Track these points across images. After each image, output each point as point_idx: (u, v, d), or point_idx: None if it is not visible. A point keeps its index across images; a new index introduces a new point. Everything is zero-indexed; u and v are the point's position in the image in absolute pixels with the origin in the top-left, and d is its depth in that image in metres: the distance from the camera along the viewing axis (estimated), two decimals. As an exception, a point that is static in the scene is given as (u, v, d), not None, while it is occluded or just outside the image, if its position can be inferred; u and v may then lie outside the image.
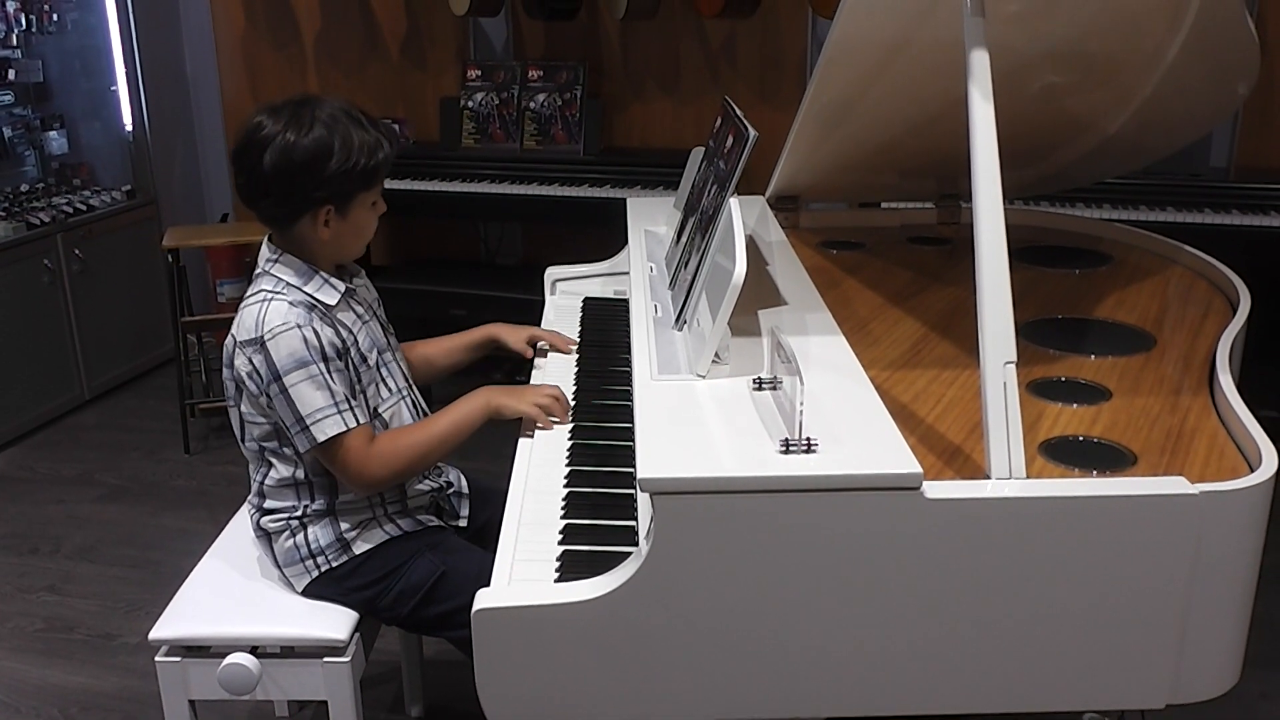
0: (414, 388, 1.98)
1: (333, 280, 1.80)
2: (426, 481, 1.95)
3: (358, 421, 1.74)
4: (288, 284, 1.77)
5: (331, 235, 1.77)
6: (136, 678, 2.58)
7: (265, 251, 1.81)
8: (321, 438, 1.71)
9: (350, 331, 1.80)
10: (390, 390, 1.89)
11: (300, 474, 1.83)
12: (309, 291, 1.77)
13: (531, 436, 1.80)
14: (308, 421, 1.71)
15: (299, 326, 1.71)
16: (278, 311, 1.72)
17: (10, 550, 3.19)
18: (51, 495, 3.52)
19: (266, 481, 1.86)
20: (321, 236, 1.77)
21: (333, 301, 1.79)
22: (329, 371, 1.72)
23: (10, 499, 3.50)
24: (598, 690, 1.38)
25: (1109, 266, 2.36)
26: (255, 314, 1.73)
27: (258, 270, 1.81)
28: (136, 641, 2.72)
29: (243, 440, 1.86)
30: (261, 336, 1.71)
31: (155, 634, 1.82)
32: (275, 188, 1.73)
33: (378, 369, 1.86)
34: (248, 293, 1.79)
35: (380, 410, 1.86)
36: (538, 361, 2.12)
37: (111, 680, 2.60)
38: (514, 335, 2.16)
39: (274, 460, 1.84)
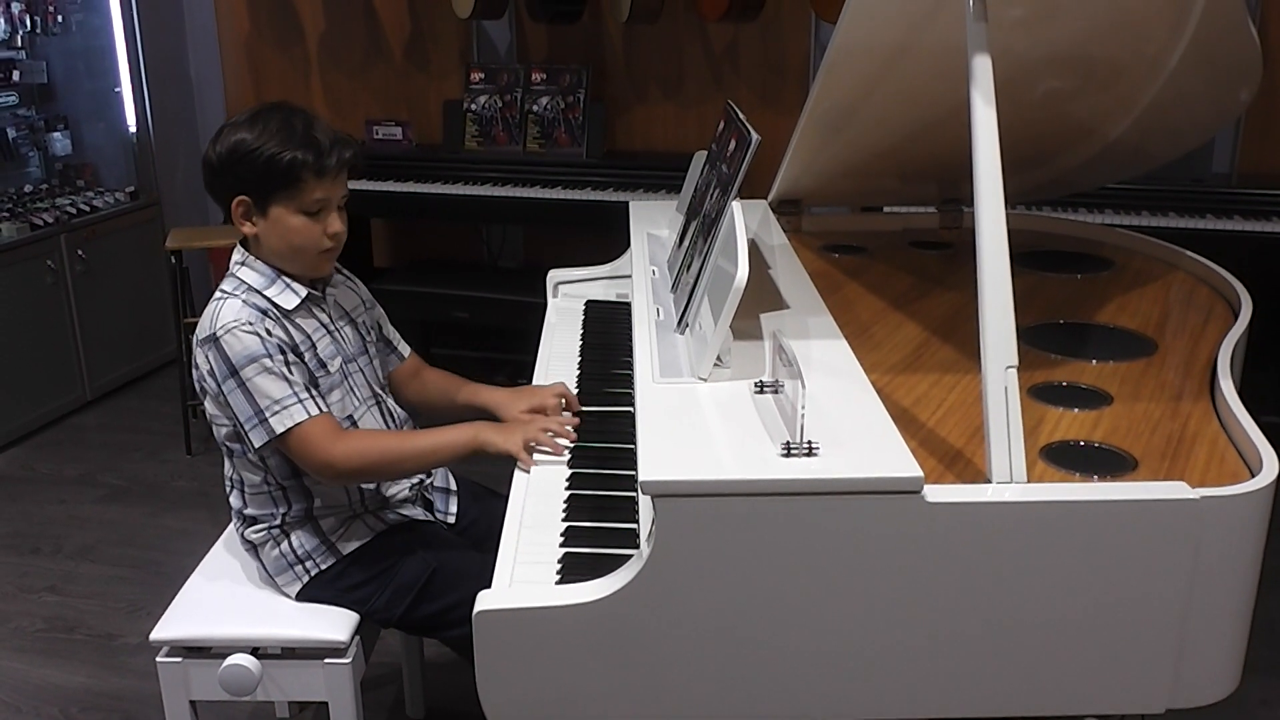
0: (388, 396, 1.97)
1: (294, 285, 1.81)
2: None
3: (319, 410, 1.74)
4: (249, 287, 1.79)
5: (258, 234, 1.79)
6: (137, 678, 2.59)
7: (235, 255, 1.84)
8: (280, 428, 1.70)
9: (307, 336, 1.81)
10: (359, 399, 1.88)
11: (271, 479, 1.83)
12: (269, 295, 1.79)
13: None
14: (266, 414, 1.70)
15: (250, 324, 1.72)
16: (230, 309, 1.74)
17: (11, 550, 3.19)
18: (53, 495, 3.53)
19: (246, 490, 1.86)
20: (245, 231, 1.80)
21: (290, 306, 1.80)
22: (286, 364, 1.73)
23: (12, 499, 3.50)
24: (599, 692, 1.38)
25: (1111, 271, 2.37)
26: (210, 312, 1.77)
27: (228, 271, 1.83)
28: (137, 642, 2.72)
29: (217, 439, 1.87)
30: (215, 333, 1.73)
31: (156, 634, 1.82)
32: (205, 173, 1.81)
33: (343, 377, 1.86)
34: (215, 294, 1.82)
35: (354, 416, 1.86)
36: (539, 366, 2.12)
37: (112, 680, 2.60)
38: (513, 408, 1.89)
39: (240, 464, 1.85)
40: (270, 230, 1.78)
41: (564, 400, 1.87)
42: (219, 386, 1.74)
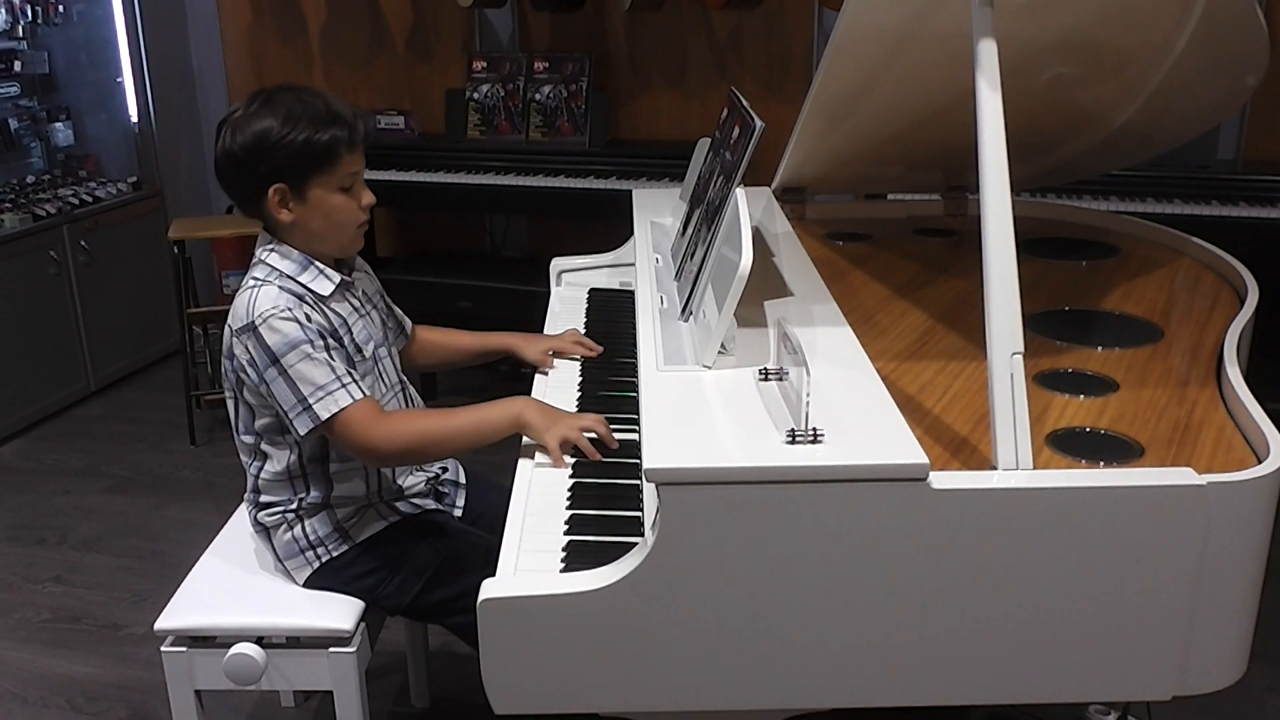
0: (408, 385, 1.98)
1: (328, 271, 1.80)
2: (419, 472, 1.95)
3: (362, 394, 1.72)
4: (281, 273, 1.77)
5: (296, 219, 1.76)
6: (142, 668, 2.59)
7: (261, 241, 1.81)
8: (325, 414, 1.68)
9: (344, 320, 1.80)
10: (386, 385, 1.88)
11: (294, 463, 1.82)
12: (303, 281, 1.77)
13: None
14: (310, 400, 1.69)
15: (289, 309, 1.70)
16: (267, 296, 1.72)
17: (17, 541, 3.20)
18: (58, 486, 3.53)
19: (262, 475, 1.85)
20: (283, 219, 1.76)
21: (326, 292, 1.78)
22: (327, 349, 1.71)
23: (16, 490, 3.51)
24: (603, 679, 1.38)
25: (1116, 258, 2.36)
26: (246, 300, 1.73)
27: (254, 260, 1.81)
28: (142, 632, 2.73)
29: (239, 432, 1.85)
30: (253, 322, 1.70)
31: (161, 624, 1.82)
32: (226, 167, 1.75)
33: (374, 363, 1.85)
34: (243, 282, 1.79)
35: (382, 404, 1.84)
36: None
37: (118, 670, 2.61)
38: (532, 349, 2.07)
39: (269, 450, 1.83)
40: (311, 213, 1.76)
41: (581, 344, 2.02)
42: (260, 376, 1.71)
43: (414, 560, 1.85)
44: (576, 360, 2.06)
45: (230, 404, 1.84)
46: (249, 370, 1.74)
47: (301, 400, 1.69)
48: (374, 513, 1.88)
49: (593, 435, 1.70)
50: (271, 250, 1.79)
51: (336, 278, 1.80)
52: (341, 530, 1.85)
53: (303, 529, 1.85)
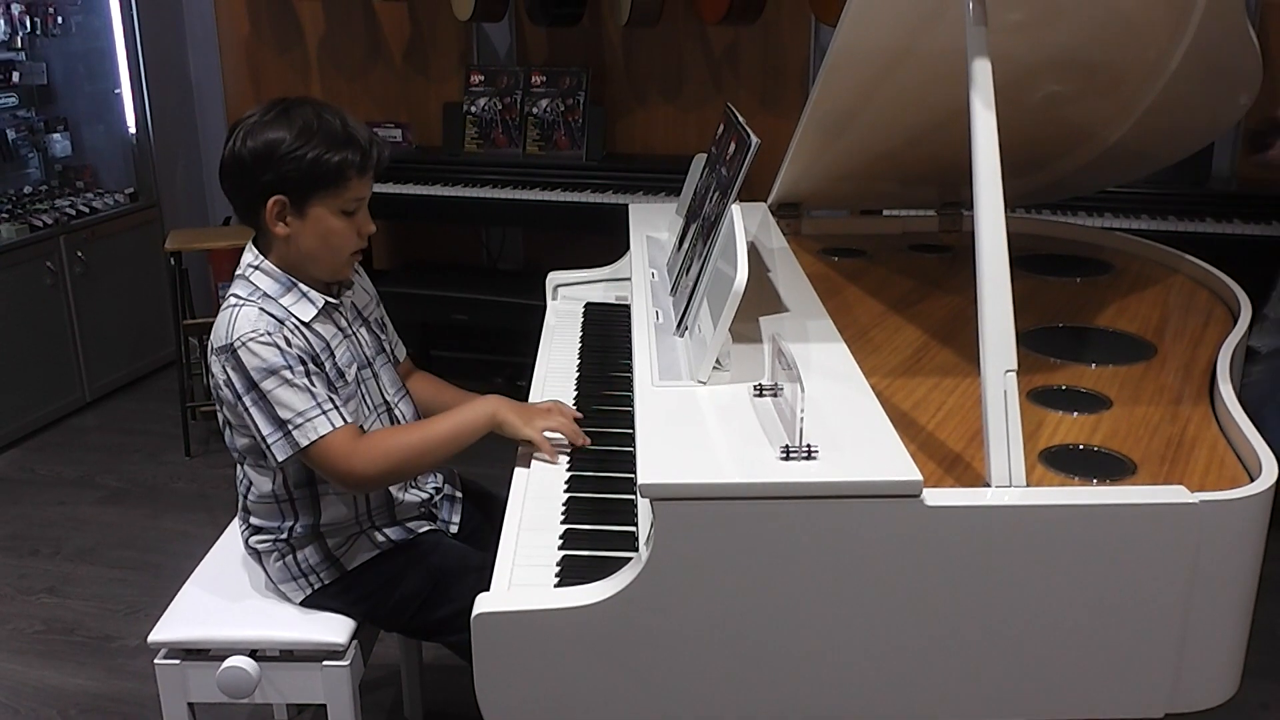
0: (401, 399, 1.93)
1: (311, 294, 1.76)
2: (414, 491, 1.90)
3: (344, 420, 1.69)
4: (264, 294, 1.73)
5: (291, 235, 1.72)
6: (136, 680, 2.58)
7: (247, 256, 1.78)
8: (305, 442, 1.66)
9: (326, 344, 1.76)
10: (370, 406, 1.84)
11: (280, 488, 1.79)
12: (285, 304, 1.73)
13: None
14: (289, 427, 1.66)
15: (269, 334, 1.67)
16: (247, 318, 1.68)
17: (10, 552, 3.19)
18: (52, 497, 3.53)
19: (250, 496, 1.83)
20: (278, 232, 1.72)
21: (308, 317, 1.74)
22: (307, 374, 1.68)
23: (11, 501, 3.50)
24: (597, 695, 1.38)
25: (1110, 275, 2.36)
26: (226, 320, 1.69)
27: (238, 272, 1.77)
28: (136, 644, 2.72)
29: (229, 447, 1.83)
30: (231, 344, 1.67)
31: (154, 636, 1.82)
32: (232, 169, 1.71)
33: (358, 384, 1.81)
34: (225, 298, 1.76)
35: (364, 426, 1.80)
36: (538, 368, 2.12)
37: (110, 682, 2.60)
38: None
39: (253, 474, 1.81)
40: (307, 231, 1.72)
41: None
42: (237, 399, 1.69)
43: (408, 584, 1.83)
44: (573, 367, 2.06)
45: (220, 417, 1.82)
46: (224, 390, 1.71)
47: (280, 426, 1.66)
48: (365, 539, 1.85)
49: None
50: (255, 268, 1.75)
51: (320, 301, 1.76)
52: (333, 559, 1.84)
53: (294, 558, 1.83)
